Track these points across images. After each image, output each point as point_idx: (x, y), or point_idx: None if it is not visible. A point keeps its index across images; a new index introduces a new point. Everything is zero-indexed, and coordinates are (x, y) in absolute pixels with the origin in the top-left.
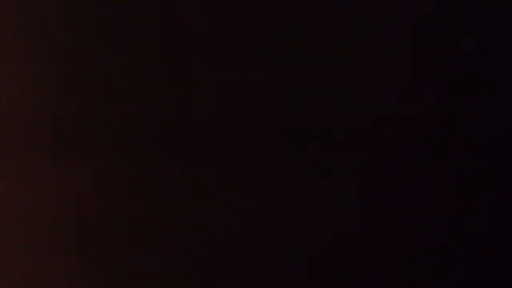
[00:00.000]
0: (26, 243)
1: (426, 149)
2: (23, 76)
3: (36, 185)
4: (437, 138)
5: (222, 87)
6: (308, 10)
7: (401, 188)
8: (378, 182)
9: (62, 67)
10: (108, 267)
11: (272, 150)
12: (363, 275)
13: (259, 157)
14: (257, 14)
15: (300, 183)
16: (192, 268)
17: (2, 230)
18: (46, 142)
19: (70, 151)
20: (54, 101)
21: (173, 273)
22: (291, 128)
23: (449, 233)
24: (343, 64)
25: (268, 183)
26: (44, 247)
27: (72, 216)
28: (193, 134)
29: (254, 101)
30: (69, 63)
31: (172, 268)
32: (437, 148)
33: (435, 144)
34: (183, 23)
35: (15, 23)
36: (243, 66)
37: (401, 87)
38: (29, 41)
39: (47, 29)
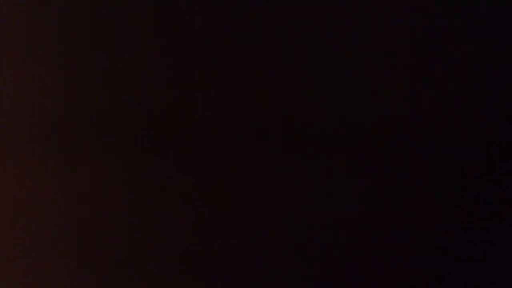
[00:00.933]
0: (26, 243)
1: (426, 149)
2: (24, 77)
3: (36, 185)
4: (437, 138)
5: (222, 87)
6: (309, 10)
7: (401, 188)
8: (378, 182)
9: (62, 67)
10: (108, 267)
11: (272, 150)
12: (363, 275)
13: (259, 157)
14: (258, 13)
15: (300, 183)
16: (192, 268)
17: (2, 230)
18: (46, 142)
19: (70, 151)
20: (55, 101)
21: (173, 273)
22: (291, 128)
23: (450, 233)
24: (343, 64)
25: (268, 183)
26: (44, 247)
27: (72, 216)
28: (193, 134)
29: (254, 101)
30: (69, 63)
31: (172, 268)
32: (437, 148)
33: (435, 144)
34: (183, 23)
35: (15, 22)
36: (244, 66)
37: (401, 87)
38: (29, 41)
39: (47, 29)
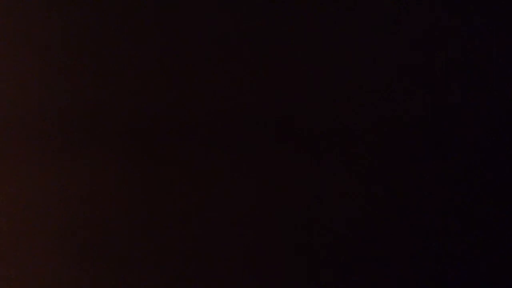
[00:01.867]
0: (26, 243)
1: (427, 149)
2: (24, 76)
3: (36, 185)
4: (437, 138)
5: (222, 86)
6: (309, 10)
7: (402, 188)
8: (378, 182)
9: (62, 67)
10: (108, 267)
11: (272, 150)
12: (363, 275)
13: (259, 157)
14: (257, 14)
15: (300, 183)
16: (192, 267)
17: (2, 229)
18: (46, 142)
19: (70, 151)
20: (55, 101)
21: (173, 273)
22: (291, 128)
23: (450, 233)
24: (343, 64)
25: (268, 183)
26: (44, 247)
27: (72, 216)
28: (194, 133)
29: (254, 101)
30: (70, 63)
31: (173, 268)
32: (437, 148)
33: (435, 144)
34: (183, 23)
35: (15, 22)
36: (244, 66)
37: (402, 87)
38: (29, 41)
39: (47, 28)
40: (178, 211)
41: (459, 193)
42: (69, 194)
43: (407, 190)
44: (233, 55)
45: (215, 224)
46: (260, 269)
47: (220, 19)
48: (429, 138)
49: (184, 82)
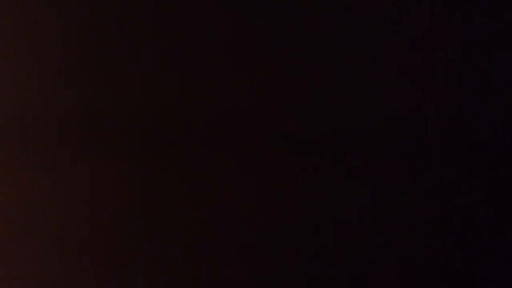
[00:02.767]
0: (26, 243)
1: (427, 149)
2: (24, 76)
3: (36, 186)
4: (437, 138)
5: (222, 88)
6: (309, 10)
7: (402, 188)
8: (378, 182)
9: (62, 68)
10: (108, 267)
11: (272, 150)
12: (363, 275)
13: (259, 157)
14: (257, 14)
15: (300, 184)
16: (192, 268)
17: (2, 229)
18: (46, 142)
19: (70, 151)
20: (55, 101)
21: (173, 273)
22: (291, 128)
23: (450, 233)
24: (343, 64)
25: (268, 184)
26: (44, 247)
27: (72, 216)
28: (194, 134)
29: (254, 102)
30: (70, 63)
31: (173, 268)
32: (437, 148)
33: (435, 144)
34: (184, 24)
35: (15, 22)
36: (244, 66)
37: (402, 87)
38: (29, 41)
39: (47, 28)
40: (178, 211)
41: (460, 193)
42: (69, 194)
43: (407, 190)
44: (233, 55)
45: (215, 224)
46: (260, 269)
47: (220, 19)
48: (429, 138)
49: (184, 83)
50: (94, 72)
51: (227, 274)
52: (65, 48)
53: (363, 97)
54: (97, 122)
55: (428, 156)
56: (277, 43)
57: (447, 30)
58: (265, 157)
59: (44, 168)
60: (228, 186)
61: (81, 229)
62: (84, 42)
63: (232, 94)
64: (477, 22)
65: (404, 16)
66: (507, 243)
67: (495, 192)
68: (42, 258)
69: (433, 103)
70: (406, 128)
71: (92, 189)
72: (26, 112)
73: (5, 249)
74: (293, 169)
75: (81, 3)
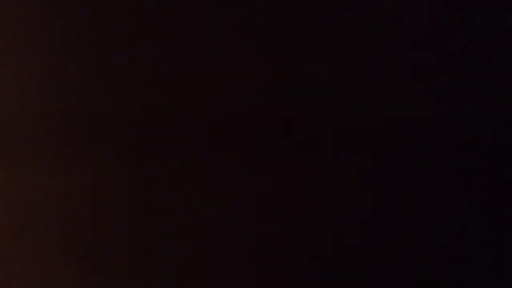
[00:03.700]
0: (26, 243)
1: (426, 149)
2: (24, 76)
3: (36, 185)
4: (437, 138)
5: (222, 88)
6: (309, 10)
7: (402, 189)
8: (379, 182)
9: (62, 68)
10: (108, 267)
11: (272, 150)
12: (363, 275)
13: (259, 157)
14: (257, 14)
15: (300, 184)
16: (192, 268)
17: (2, 229)
18: (46, 143)
19: (70, 151)
20: (55, 101)
21: (173, 273)
22: (292, 128)
23: (450, 233)
24: (343, 64)
25: (268, 184)
26: (43, 247)
27: (72, 216)
28: (194, 134)
29: (254, 101)
30: (70, 64)
31: (172, 268)
32: (437, 148)
33: (435, 144)
34: (182, 23)
35: (15, 22)
36: (244, 65)
37: (402, 87)
38: (29, 41)
39: (47, 28)
40: (179, 211)
41: (460, 193)
42: (69, 194)
43: (407, 190)
44: (233, 55)
45: (215, 224)
46: (260, 269)
47: (220, 19)
48: (429, 138)
49: (184, 83)
50: (94, 72)
51: (227, 274)
52: (65, 48)
53: (363, 97)
54: (97, 122)
55: (428, 156)
56: (277, 43)
57: (447, 30)
58: (265, 157)
59: (44, 168)
60: (228, 186)
61: (81, 229)
62: (84, 42)
63: (232, 94)
64: (477, 22)
65: (404, 16)
66: (507, 243)
67: (495, 192)
68: (42, 258)
69: (433, 103)
70: (406, 128)
71: (92, 189)
72: (26, 112)
73: (5, 249)
74: (293, 169)
75: (81, 3)
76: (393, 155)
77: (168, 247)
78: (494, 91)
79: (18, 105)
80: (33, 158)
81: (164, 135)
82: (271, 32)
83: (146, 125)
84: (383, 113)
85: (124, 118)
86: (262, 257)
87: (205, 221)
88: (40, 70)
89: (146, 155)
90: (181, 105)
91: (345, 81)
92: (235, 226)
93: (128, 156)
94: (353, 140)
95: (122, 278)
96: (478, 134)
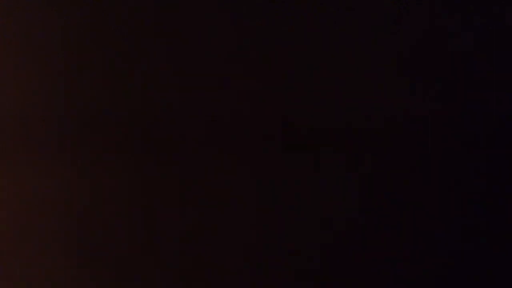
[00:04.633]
0: (25, 243)
1: (426, 149)
2: (24, 77)
3: (36, 185)
4: (437, 138)
5: (222, 88)
6: (309, 10)
7: (402, 189)
8: (379, 182)
9: (62, 68)
10: (107, 267)
11: (272, 150)
12: (363, 275)
13: (259, 157)
14: (257, 14)
15: (299, 184)
16: (192, 268)
17: (2, 230)
18: (46, 142)
19: (70, 152)
20: (55, 101)
21: (173, 273)
22: (292, 128)
23: (450, 233)
24: (343, 64)
25: (268, 184)
26: (43, 247)
27: (72, 216)
28: (193, 135)
29: (254, 101)
30: (70, 64)
31: (172, 268)
32: (437, 148)
33: (435, 144)
34: (182, 24)
35: (15, 22)
36: (244, 66)
37: (402, 87)
38: (29, 41)
39: (47, 28)
40: (178, 212)
41: (460, 193)
42: (69, 194)
43: (407, 190)
44: (233, 55)
45: (215, 224)
46: (260, 269)
47: (220, 19)
48: (429, 138)
49: (184, 84)
50: (94, 73)
51: (227, 274)
52: (65, 48)
53: (363, 97)
54: (97, 123)
55: (428, 156)
56: (277, 43)
57: (447, 30)
58: (265, 157)
59: (44, 168)
60: (228, 186)
61: (81, 229)
62: (84, 42)
63: (232, 95)
64: (477, 22)
65: (404, 16)
66: (507, 243)
67: (495, 192)
68: (42, 258)
69: (433, 103)
70: (406, 128)
71: (92, 189)
72: (26, 112)
73: (5, 249)
74: (293, 169)
75: (81, 3)
76: (393, 155)
77: (168, 247)
78: (494, 91)
79: (18, 105)
80: (33, 158)
81: (164, 135)
82: (271, 32)
83: (146, 125)
84: (383, 113)
85: (124, 118)
86: (262, 257)
87: (205, 221)
88: (40, 70)
89: (146, 155)
90: (181, 105)
91: (345, 81)
92: (235, 226)
93: (128, 156)
94: (353, 140)
95: (122, 278)
96: (478, 134)
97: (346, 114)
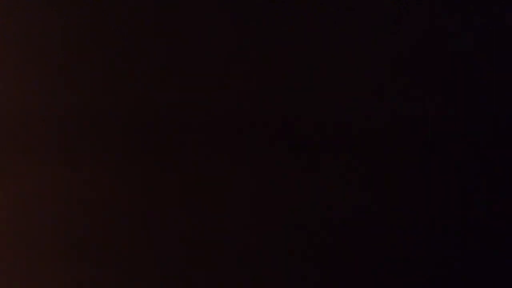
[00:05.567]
0: (25, 244)
1: (426, 149)
2: (24, 77)
3: (36, 185)
4: (437, 138)
5: (222, 88)
6: (309, 10)
7: (402, 189)
8: (379, 182)
9: (62, 68)
10: (107, 268)
11: (272, 151)
12: (363, 275)
13: (259, 157)
14: (257, 14)
15: (300, 184)
16: (192, 268)
17: (1, 230)
18: (46, 142)
19: (69, 152)
20: (55, 101)
21: (173, 273)
22: (291, 128)
23: (451, 233)
24: (343, 64)
25: (268, 184)
26: (43, 248)
27: (72, 217)
28: (193, 135)
29: (254, 101)
30: (69, 63)
31: (172, 268)
32: (437, 148)
33: (435, 144)
34: (182, 24)
35: (15, 22)
36: (244, 65)
37: (402, 87)
38: (29, 41)
39: (47, 28)
40: (178, 212)
41: (460, 193)
42: (69, 194)
43: (407, 190)
44: (233, 55)
45: (215, 224)
46: (260, 269)
47: (220, 19)
48: (429, 138)
49: (184, 83)
50: (94, 72)
51: (227, 274)
52: (65, 48)
53: (364, 97)
54: (97, 122)
55: (428, 156)
56: (277, 43)
57: (447, 30)
58: (265, 157)
59: (44, 168)
60: (228, 186)
61: (81, 229)
62: (84, 42)
63: (231, 95)
64: (477, 22)
65: (404, 16)
66: (507, 243)
67: (495, 192)
68: (42, 258)
69: (433, 103)
70: (406, 128)
71: (92, 189)
72: (26, 112)
73: (5, 249)
74: (293, 169)
75: (81, 3)
76: (393, 155)
77: (168, 247)
78: (494, 91)
79: (18, 105)
80: (33, 158)
81: (164, 135)
82: (271, 32)
83: (146, 125)
84: (383, 113)
85: (124, 118)
86: (262, 257)
87: (205, 221)
88: (40, 70)
89: (146, 155)
90: (181, 105)
91: (345, 81)
92: (235, 226)
93: (128, 156)
94: (353, 140)
95: (122, 278)
96: (478, 134)
97: (346, 114)
